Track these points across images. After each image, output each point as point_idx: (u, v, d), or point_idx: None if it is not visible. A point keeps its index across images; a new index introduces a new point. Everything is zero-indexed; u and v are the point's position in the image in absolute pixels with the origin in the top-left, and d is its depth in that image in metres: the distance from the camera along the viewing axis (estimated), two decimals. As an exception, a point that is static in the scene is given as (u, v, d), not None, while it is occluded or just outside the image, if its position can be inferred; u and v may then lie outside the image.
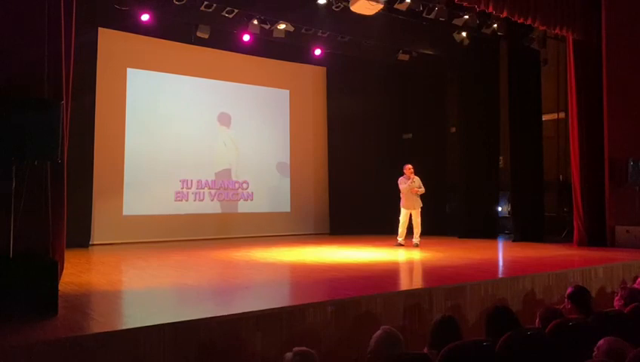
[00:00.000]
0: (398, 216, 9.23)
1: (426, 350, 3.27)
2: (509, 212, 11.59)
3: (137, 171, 10.12)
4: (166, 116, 10.52)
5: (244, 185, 11.46)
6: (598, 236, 9.15)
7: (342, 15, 9.30)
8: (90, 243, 9.25)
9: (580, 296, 4.23)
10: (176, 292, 5.02)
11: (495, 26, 10.00)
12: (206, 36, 9.72)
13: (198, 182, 10.85)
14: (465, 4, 8.28)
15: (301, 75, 12.29)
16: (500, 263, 7.46)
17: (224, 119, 11.28)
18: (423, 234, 9.12)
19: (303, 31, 10.26)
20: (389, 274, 6.26)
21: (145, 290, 5.15)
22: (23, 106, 4.09)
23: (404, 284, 5.96)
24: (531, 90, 10.65)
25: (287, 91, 12.17)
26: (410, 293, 4.72)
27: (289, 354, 2.89)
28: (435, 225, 10.45)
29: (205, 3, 8.84)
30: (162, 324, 3.47)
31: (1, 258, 3.91)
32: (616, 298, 4.52)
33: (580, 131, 9.35)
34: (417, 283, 6.14)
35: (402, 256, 7.95)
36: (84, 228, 9.10)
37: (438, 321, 3.45)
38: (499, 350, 3.06)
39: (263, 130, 11.74)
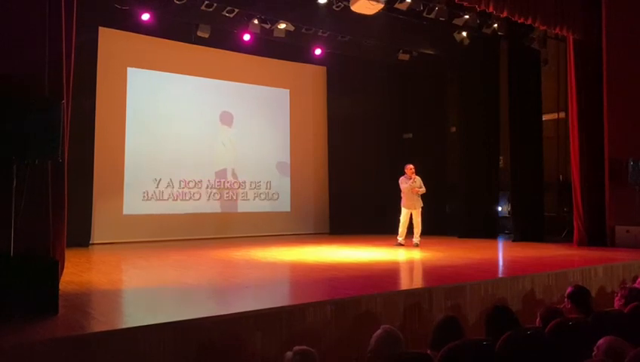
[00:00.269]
0: (398, 215, 9.23)
1: (428, 351, 3.26)
2: (509, 212, 11.60)
3: (137, 171, 10.12)
4: (166, 115, 10.52)
5: (244, 185, 11.46)
6: (598, 236, 9.16)
7: (342, 15, 9.30)
8: (91, 242, 9.26)
9: (579, 295, 4.23)
10: (176, 292, 5.02)
11: (495, 25, 10.00)
12: (206, 36, 9.73)
13: (198, 181, 10.85)
14: (465, 3, 8.28)
15: (301, 74, 12.30)
16: (500, 263, 7.47)
17: (226, 118, 11.29)
18: (423, 233, 9.12)
19: (304, 30, 10.26)
20: (389, 273, 6.26)
21: (145, 290, 5.16)
22: (23, 106, 4.09)
23: (404, 284, 5.96)
24: (531, 90, 10.65)
25: (288, 91, 12.17)
26: (410, 293, 4.72)
27: (289, 354, 2.90)
28: (435, 225, 10.44)
29: (206, 2, 8.83)
30: (162, 323, 3.48)
31: (1, 257, 3.92)
32: (617, 298, 4.52)
33: (580, 131, 9.35)
34: (417, 282, 6.15)
35: (402, 256, 7.95)
36: (85, 227, 9.11)
37: (440, 321, 3.45)
38: (499, 349, 3.07)
39: (263, 129, 11.74)
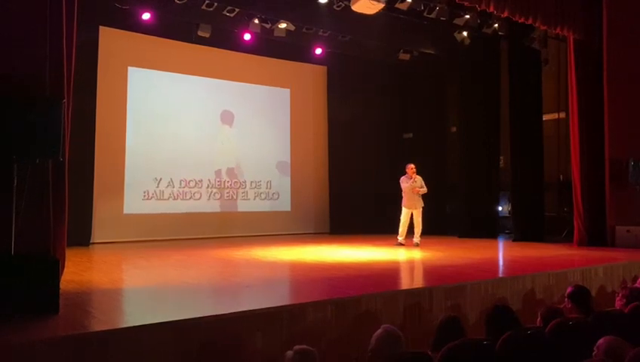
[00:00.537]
0: (399, 215, 9.23)
1: (429, 353, 3.26)
2: (509, 212, 11.60)
3: (138, 170, 10.12)
4: (166, 115, 10.52)
5: (245, 184, 11.46)
6: (598, 236, 9.16)
7: (343, 14, 9.30)
8: (91, 241, 9.27)
9: (580, 295, 4.23)
10: (176, 291, 5.02)
11: (496, 25, 10.00)
12: (207, 35, 9.74)
13: (198, 181, 10.85)
14: (466, 3, 8.28)
15: (302, 74, 12.30)
16: (500, 263, 7.47)
17: (227, 118, 11.29)
18: (423, 233, 9.12)
19: (304, 30, 10.26)
20: (389, 273, 6.27)
21: (146, 289, 5.16)
22: (24, 105, 4.10)
23: (405, 283, 5.97)
24: (532, 90, 10.65)
25: (288, 90, 12.17)
26: (411, 292, 4.73)
27: (290, 353, 2.90)
28: (435, 225, 10.45)
29: (206, 2, 8.84)
30: (163, 323, 3.48)
31: (2, 256, 3.92)
32: (618, 298, 4.52)
33: (581, 131, 9.35)
34: (418, 282, 6.15)
35: (402, 256, 7.95)
36: (85, 226, 9.12)
37: (442, 321, 3.45)
38: (499, 349, 3.07)
39: (263, 129, 11.74)
